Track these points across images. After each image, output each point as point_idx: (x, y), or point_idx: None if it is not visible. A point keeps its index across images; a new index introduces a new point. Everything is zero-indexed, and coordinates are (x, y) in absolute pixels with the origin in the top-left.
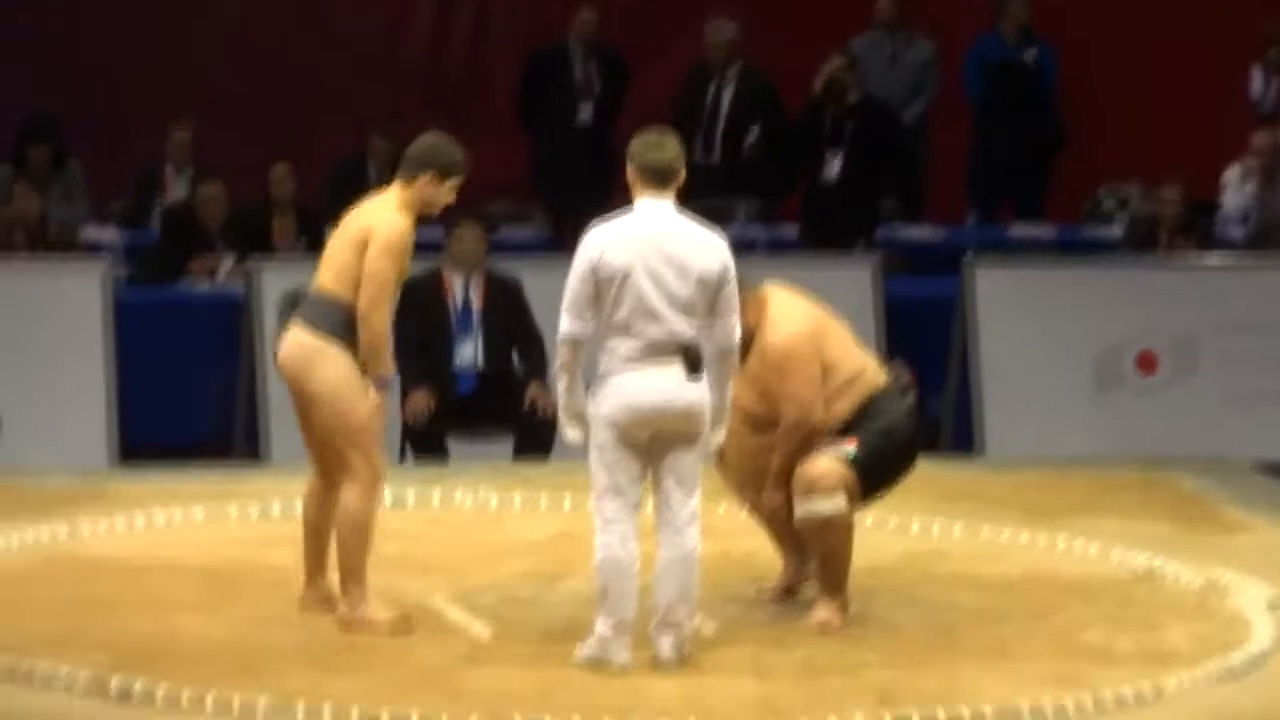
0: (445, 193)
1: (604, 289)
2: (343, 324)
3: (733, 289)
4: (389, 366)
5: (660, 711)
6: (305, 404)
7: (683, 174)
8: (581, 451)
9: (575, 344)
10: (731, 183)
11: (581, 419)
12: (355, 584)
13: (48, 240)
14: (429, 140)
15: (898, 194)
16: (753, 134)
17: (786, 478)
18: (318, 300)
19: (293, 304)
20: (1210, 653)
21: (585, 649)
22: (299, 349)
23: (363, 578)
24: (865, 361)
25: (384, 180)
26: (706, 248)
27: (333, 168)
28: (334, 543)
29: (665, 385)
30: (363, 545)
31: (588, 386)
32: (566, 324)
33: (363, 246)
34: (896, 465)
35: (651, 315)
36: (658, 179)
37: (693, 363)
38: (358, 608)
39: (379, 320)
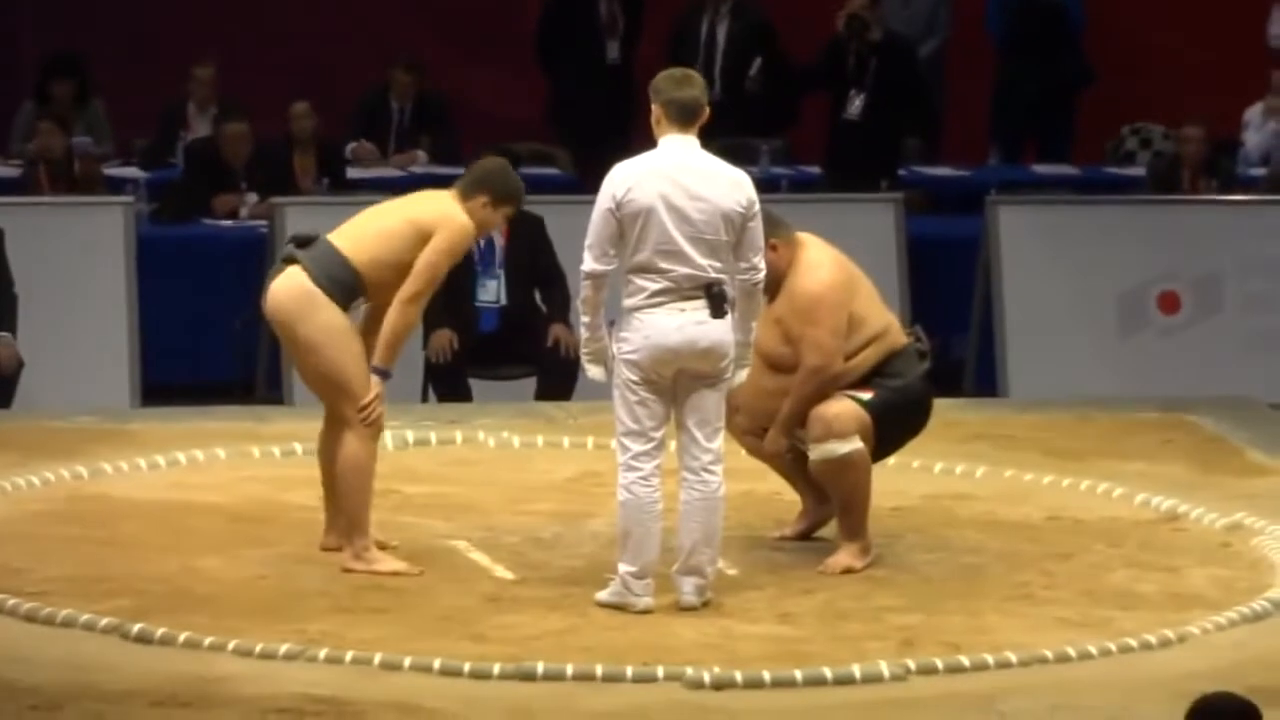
0: (497, 218)
1: (627, 226)
2: (344, 287)
3: (758, 225)
4: (393, 363)
5: (682, 656)
6: (293, 350)
7: (707, 111)
8: (604, 390)
9: (597, 281)
10: (734, 117)
11: (603, 357)
12: (359, 533)
13: (72, 177)
14: (493, 164)
15: (919, 133)
16: (755, 66)
17: (794, 423)
18: (328, 253)
19: (298, 245)
20: (1233, 596)
21: (606, 592)
22: (294, 290)
23: (365, 526)
24: (889, 320)
25: (406, 116)
26: (732, 184)
27: (355, 103)
28: None
29: (689, 324)
30: (363, 491)
31: (611, 324)
32: (589, 261)
33: (412, 232)
34: (905, 425)
35: (675, 253)
36: (682, 116)
37: (717, 302)
38: (362, 556)
39: (415, 314)
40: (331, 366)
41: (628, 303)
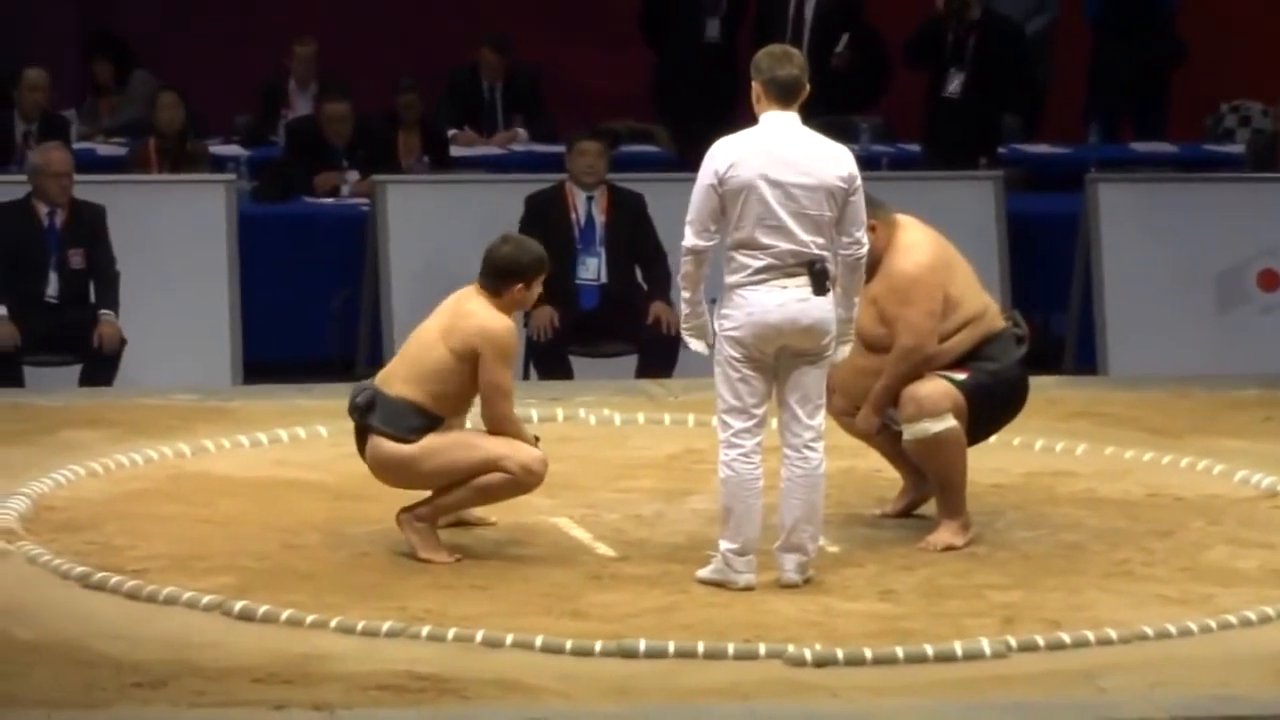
0: (534, 293)
1: (729, 202)
2: (424, 429)
3: (860, 200)
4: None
5: (784, 633)
6: (440, 480)
7: (807, 88)
8: (705, 367)
9: (698, 257)
10: (822, 93)
11: (705, 331)
12: (443, 519)
13: (183, 153)
14: (507, 251)
15: (1019, 111)
16: (842, 42)
17: (886, 402)
18: (394, 407)
19: (362, 414)
20: None
21: (708, 570)
22: (391, 460)
23: (445, 518)
24: (987, 304)
25: (497, 94)
26: (833, 158)
27: (445, 83)
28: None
29: (791, 302)
30: (476, 504)
31: (712, 302)
32: (690, 236)
33: (457, 362)
34: (1000, 409)
35: (777, 228)
36: (784, 93)
37: (819, 279)
38: (428, 542)
39: (515, 429)
40: (469, 454)
41: (730, 280)
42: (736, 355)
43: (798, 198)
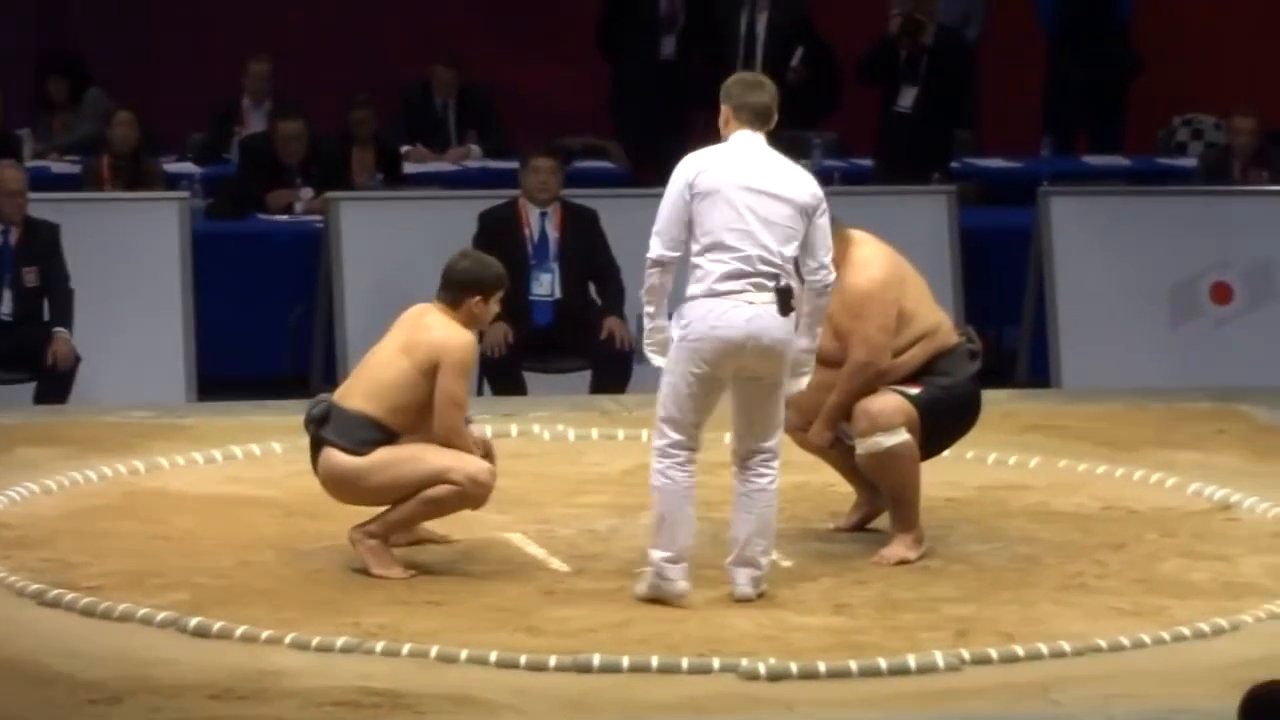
0: (492, 309)
1: (699, 208)
2: (379, 443)
3: (826, 224)
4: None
5: (738, 647)
6: (386, 498)
7: (776, 117)
8: (659, 383)
9: (665, 268)
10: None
11: (666, 346)
12: (398, 536)
13: (137, 171)
14: (466, 265)
15: (970, 125)
16: (797, 57)
17: (839, 416)
18: (350, 420)
19: (318, 425)
20: None
21: (643, 585)
22: (341, 473)
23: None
24: (941, 319)
25: (450, 110)
26: (801, 177)
27: (399, 100)
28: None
29: (756, 317)
30: (425, 518)
31: (672, 316)
32: (657, 247)
33: (418, 375)
34: (952, 424)
35: (745, 233)
36: (755, 118)
37: (783, 297)
38: (381, 559)
39: (463, 442)
40: (416, 467)
41: (694, 289)
42: (694, 370)
43: (767, 205)
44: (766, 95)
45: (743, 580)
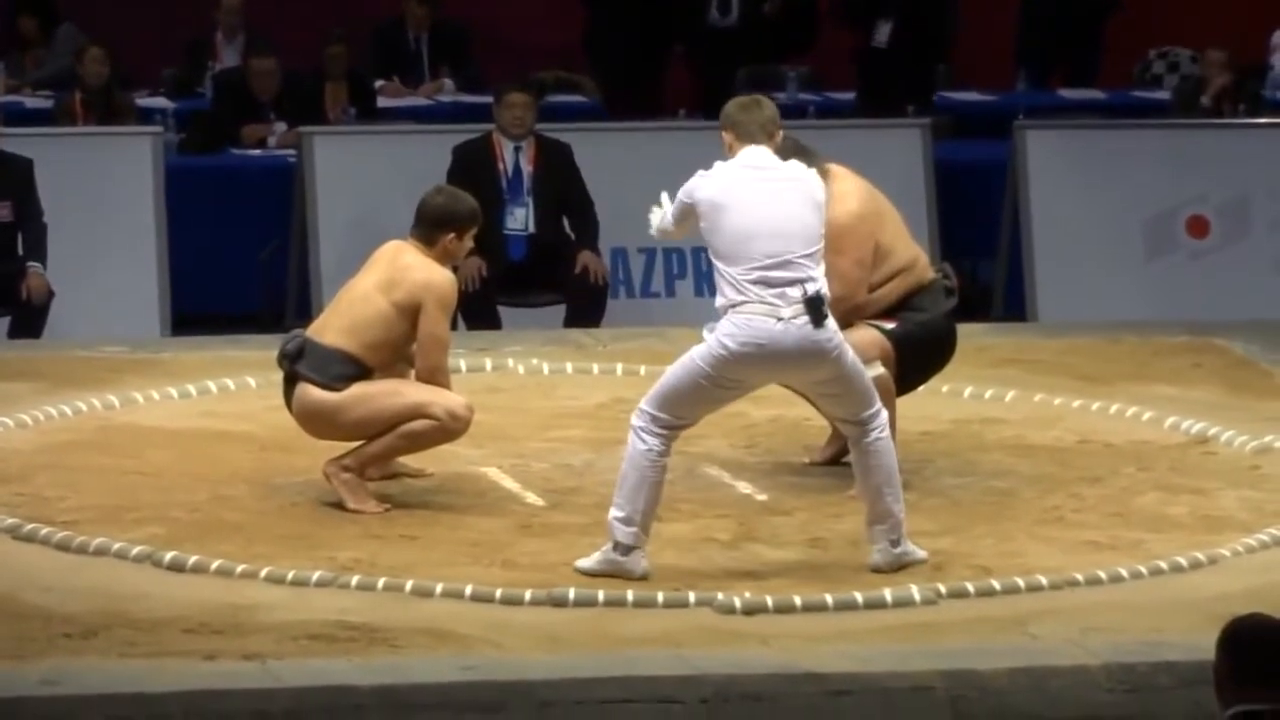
0: (466, 245)
1: (713, 218)
2: (353, 378)
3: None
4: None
5: (713, 581)
6: (363, 432)
7: (780, 134)
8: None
9: (665, 236)
10: (749, 44)
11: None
12: (374, 470)
13: (110, 106)
14: (440, 201)
15: (946, 59)
16: None
17: None
18: (325, 355)
19: (292, 360)
20: (1263, 518)
21: (589, 561)
22: (315, 408)
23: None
24: (917, 255)
25: (423, 45)
26: (815, 182)
27: (371, 35)
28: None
29: (799, 339)
30: (401, 453)
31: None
32: (655, 222)
33: (397, 313)
34: (927, 359)
35: (767, 234)
36: (758, 134)
37: (815, 307)
38: (356, 493)
39: (446, 380)
40: (393, 401)
41: (722, 300)
42: (715, 372)
43: (785, 209)
44: (766, 111)
45: (879, 539)
